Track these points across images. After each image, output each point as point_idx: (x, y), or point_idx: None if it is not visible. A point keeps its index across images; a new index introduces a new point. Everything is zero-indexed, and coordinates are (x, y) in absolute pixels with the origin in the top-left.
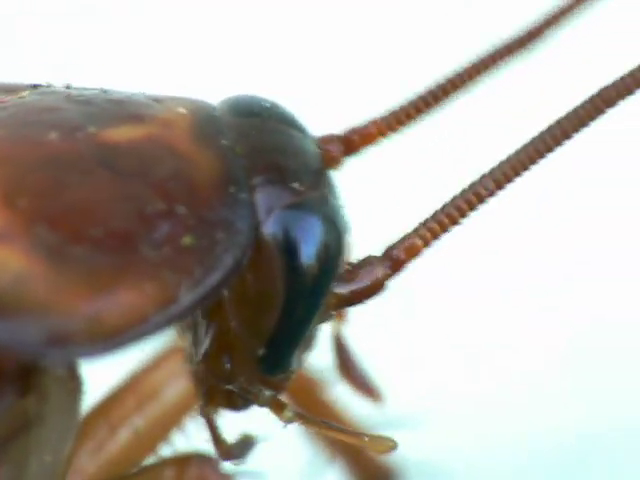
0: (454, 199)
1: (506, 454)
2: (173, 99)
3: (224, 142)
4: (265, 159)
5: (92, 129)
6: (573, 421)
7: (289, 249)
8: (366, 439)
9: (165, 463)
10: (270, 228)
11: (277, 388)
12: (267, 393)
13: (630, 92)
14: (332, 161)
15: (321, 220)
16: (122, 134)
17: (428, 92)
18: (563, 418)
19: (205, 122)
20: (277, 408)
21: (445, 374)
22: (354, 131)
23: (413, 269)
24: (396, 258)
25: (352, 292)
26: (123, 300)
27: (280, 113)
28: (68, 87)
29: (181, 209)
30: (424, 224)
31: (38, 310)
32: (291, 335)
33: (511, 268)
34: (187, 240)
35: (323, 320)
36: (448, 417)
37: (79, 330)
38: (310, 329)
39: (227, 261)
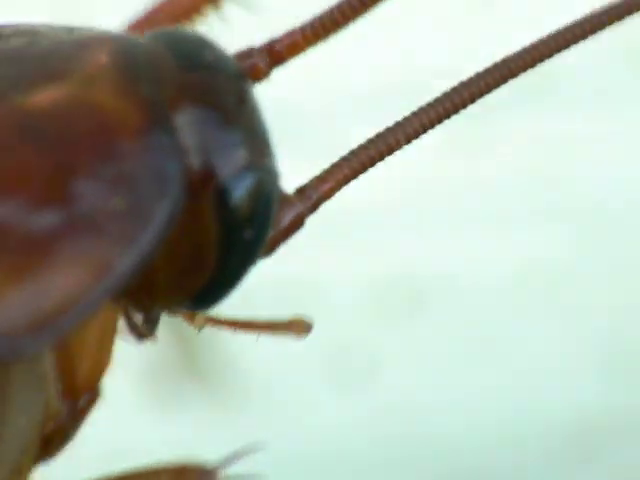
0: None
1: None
2: (97, 43)
3: (145, 88)
4: (183, 96)
5: (14, 97)
6: None
7: (219, 186)
8: (280, 328)
9: (163, 472)
10: (198, 167)
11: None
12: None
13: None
14: (257, 74)
15: (250, 150)
16: (42, 98)
17: None
18: None
19: (125, 68)
20: (188, 317)
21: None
22: (279, 40)
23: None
24: (311, 197)
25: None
26: (60, 281)
27: (196, 43)
28: (1, 35)
29: (106, 171)
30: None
31: None
32: (228, 279)
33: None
34: (116, 202)
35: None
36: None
37: (20, 320)
38: (246, 270)
39: (160, 216)
